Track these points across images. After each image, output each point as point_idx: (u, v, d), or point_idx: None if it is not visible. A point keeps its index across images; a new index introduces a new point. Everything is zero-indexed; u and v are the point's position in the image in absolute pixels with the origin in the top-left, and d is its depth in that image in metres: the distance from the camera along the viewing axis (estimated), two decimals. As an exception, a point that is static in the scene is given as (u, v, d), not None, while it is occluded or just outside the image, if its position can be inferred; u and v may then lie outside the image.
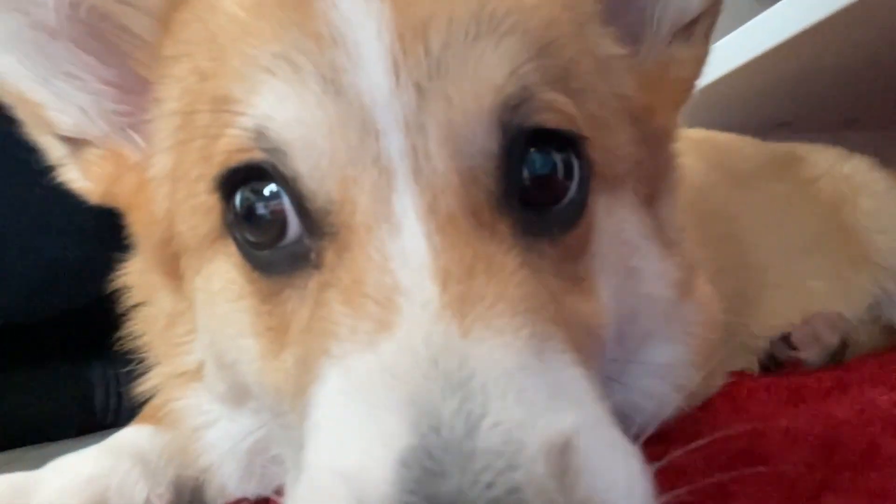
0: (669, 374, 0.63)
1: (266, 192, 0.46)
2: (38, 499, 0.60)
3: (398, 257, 0.41)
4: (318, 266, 0.45)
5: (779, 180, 1.23)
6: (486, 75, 0.44)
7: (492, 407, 0.34)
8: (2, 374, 1.54)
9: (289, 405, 0.45)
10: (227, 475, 0.62)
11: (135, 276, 0.69)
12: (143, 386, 0.68)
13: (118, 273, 0.71)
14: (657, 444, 0.55)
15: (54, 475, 0.63)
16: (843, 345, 1.10)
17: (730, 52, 1.40)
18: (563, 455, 0.33)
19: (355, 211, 0.43)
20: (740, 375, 0.97)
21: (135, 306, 0.69)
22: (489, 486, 0.31)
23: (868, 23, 1.20)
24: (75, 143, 0.63)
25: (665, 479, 0.50)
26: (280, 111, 0.44)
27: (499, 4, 0.47)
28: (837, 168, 1.26)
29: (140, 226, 0.62)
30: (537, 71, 0.46)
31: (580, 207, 0.50)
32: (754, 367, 1.05)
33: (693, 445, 0.52)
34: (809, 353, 1.07)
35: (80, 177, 0.63)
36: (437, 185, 0.43)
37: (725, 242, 1.02)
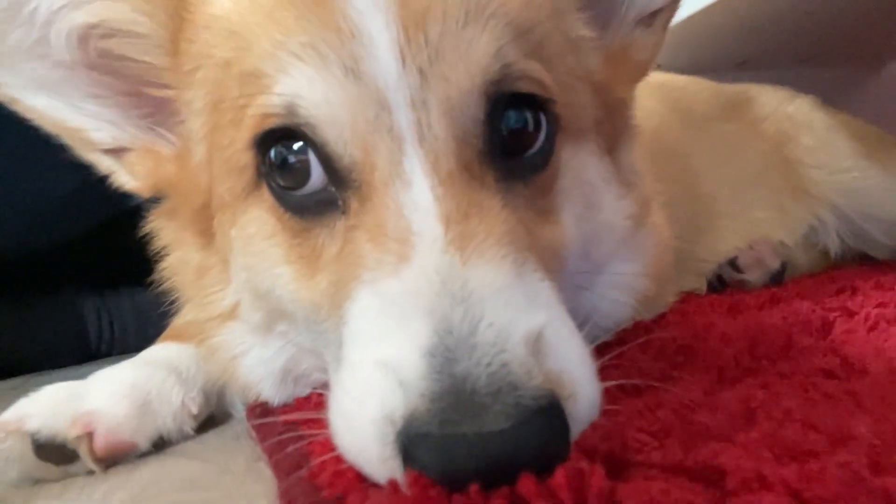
0: (627, 284, 0.75)
1: (295, 147, 0.56)
2: (91, 402, 0.70)
3: (410, 205, 0.51)
4: (344, 212, 0.55)
5: (730, 121, 1.33)
6: (476, 58, 0.53)
7: (487, 313, 0.45)
8: (-6, 307, 1.58)
9: (325, 316, 0.56)
10: (265, 390, 0.72)
11: (161, 223, 0.78)
12: (178, 321, 0.78)
13: (145, 220, 0.80)
14: (618, 344, 0.67)
15: (103, 383, 0.73)
16: (783, 268, 1.24)
17: (691, -5, 1.48)
18: (536, 342, 0.45)
19: (374, 170, 0.53)
20: (690, 294, 1.10)
21: (162, 251, 0.78)
22: (488, 364, 0.43)
23: None
24: (116, 152, 0.71)
25: (620, 367, 0.63)
26: (309, 91, 0.53)
27: None
28: (782, 108, 1.36)
29: (181, 200, 0.71)
30: (516, 46, 0.55)
31: (548, 154, 0.60)
32: (703, 287, 1.19)
33: (642, 339, 0.64)
34: (753, 276, 1.20)
35: (129, 179, 0.72)
36: (437, 148, 0.53)
37: (680, 177, 1.13)
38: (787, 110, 1.35)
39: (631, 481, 0.39)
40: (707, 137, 1.27)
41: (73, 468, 0.68)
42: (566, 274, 0.61)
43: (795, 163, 1.31)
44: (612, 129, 0.71)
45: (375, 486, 0.44)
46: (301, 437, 0.59)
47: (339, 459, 0.48)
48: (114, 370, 0.76)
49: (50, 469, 0.67)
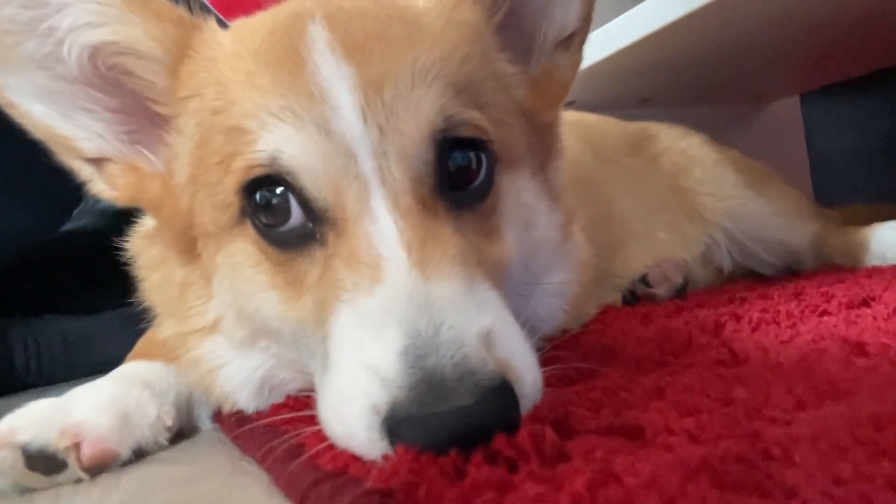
0: (561, 291, 0.88)
1: (277, 191, 0.66)
2: (77, 414, 0.75)
3: (377, 236, 0.61)
4: (322, 243, 0.65)
5: (634, 155, 1.52)
6: (423, 114, 0.64)
7: (447, 318, 0.55)
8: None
9: (311, 331, 0.65)
10: (241, 399, 0.80)
11: (141, 246, 0.85)
12: (158, 335, 0.84)
13: (124, 243, 0.86)
14: (553, 349, 0.79)
15: (85, 397, 0.78)
16: (686, 282, 1.41)
17: (602, 41, 1.66)
18: (487, 338, 0.55)
19: (346, 208, 0.63)
20: (608, 307, 1.25)
21: (142, 272, 0.85)
22: (451, 357, 0.52)
23: (714, 22, 1.48)
24: (98, 162, 0.78)
25: (554, 365, 0.74)
26: (288, 146, 0.63)
27: (426, 59, 0.66)
28: (677, 144, 1.55)
29: (164, 218, 0.78)
30: (456, 100, 0.67)
31: (489, 185, 0.72)
32: (619, 301, 1.34)
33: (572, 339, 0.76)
34: (661, 289, 1.36)
35: (106, 188, 0.79)
36: (397, 188, 0.63)
37: (594, 202, 1.28)
38: (681, 146, 1.54)
39: (575, 440, 0.50)
40: (616, 169, 1.44)
41: (59, 478, 0.73)
42: (511, 285, 0.72)
43: (690, 191, 1.50)
44: (542, 149, 0.83)
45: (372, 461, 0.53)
46: (285, 436, 0.67)
47: (334, 447, 0.57)
48: (92, 386, 0.81)
49: (39, 479, 0.72)
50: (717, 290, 1.41)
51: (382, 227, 0.61)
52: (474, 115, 0.68)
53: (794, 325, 0.89)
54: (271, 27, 0.71)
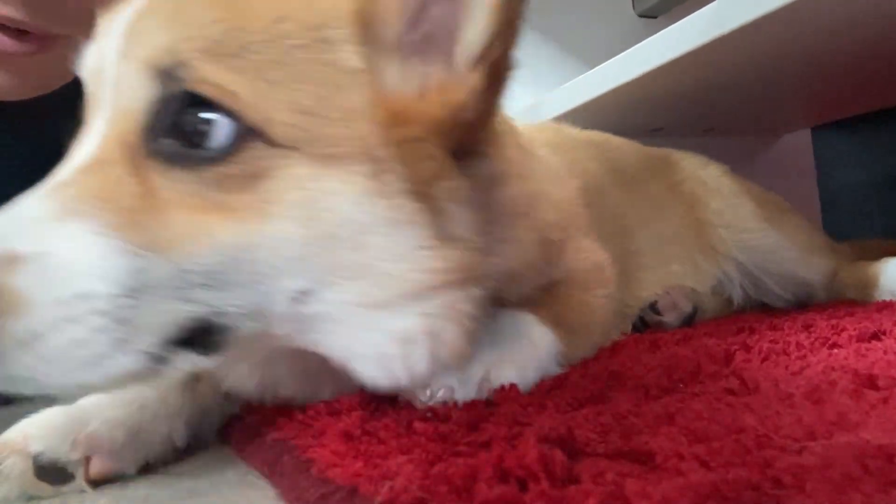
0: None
1: None
2: (91, 426, 0.75)
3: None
4: None
5: (654, 182, 1.51)
6: (153, 45, 0.65)
7: None
8: None
9: None
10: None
11: None
12: None
13: None
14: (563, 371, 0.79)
15: (99, 409, 0.78)
16: (695, 311, 1.41)
17: (616, 71, 1.68)
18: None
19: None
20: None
21: None
22: None
23: (727, 55, 1.50)
24: None
25: (565, 387, 0.75)
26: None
27: (207, 16, 0.64)
28: (697, 173, 1.54)
29: None
30: (207, 55, 0.65)
31: (231, 155, 0.65)
32: (628, 328, 1.34)
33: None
34: (670, 317, 1.36)
35: None
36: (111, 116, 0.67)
37: (616, 235, 1.29)
38: (700, 175, 1.54)
39: (583, 462, 0.50)
40: (635, 197, 1.44)
41: (65, 488, 0.73)
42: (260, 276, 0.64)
43: (706, 223, 1.49)
44: (422, 167, 0.68)
45: (385, 475, 0.53)
46: (294, 451, 0.67)
47: (345, 461, 0.57)
48: (105, 398, 0.81)
49: (45, 488, 0.72)
50: (726, 320, 1.41)
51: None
52: (227, 79, 0.62)
53: (804, 356, 0.89)
54: None
